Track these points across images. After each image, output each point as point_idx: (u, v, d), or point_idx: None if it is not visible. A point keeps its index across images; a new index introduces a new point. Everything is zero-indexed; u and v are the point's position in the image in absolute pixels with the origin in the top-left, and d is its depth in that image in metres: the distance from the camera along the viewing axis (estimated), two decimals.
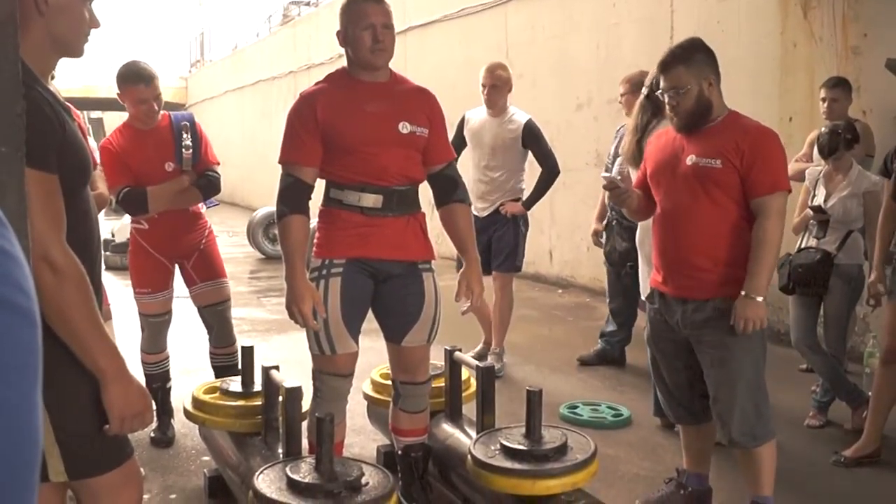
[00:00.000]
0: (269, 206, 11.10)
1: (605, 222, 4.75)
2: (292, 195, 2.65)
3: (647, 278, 3.91)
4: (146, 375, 3.80)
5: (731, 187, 2.70)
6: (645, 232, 3.90)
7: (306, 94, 2.74)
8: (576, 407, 4.24)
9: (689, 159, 2.74)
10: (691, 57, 2.75)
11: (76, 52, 1.74)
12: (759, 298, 2.64)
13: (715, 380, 2.79)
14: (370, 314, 2.84)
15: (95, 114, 24.80)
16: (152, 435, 3.81)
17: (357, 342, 2.75)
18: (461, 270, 2.84)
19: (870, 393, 3.69)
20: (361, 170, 2.66)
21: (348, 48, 2.70)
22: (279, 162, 2.71)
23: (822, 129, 3.91)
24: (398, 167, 2.69)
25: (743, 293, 2.65)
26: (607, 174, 3.03)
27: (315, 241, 2.76)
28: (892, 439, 3.74)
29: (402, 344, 2.81)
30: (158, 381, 3.86)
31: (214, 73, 22.55)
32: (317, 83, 2.80)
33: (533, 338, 5.93)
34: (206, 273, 3.79)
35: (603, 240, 4.77)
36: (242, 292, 7.79)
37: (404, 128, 2.68)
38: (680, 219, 2.79)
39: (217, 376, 3.75)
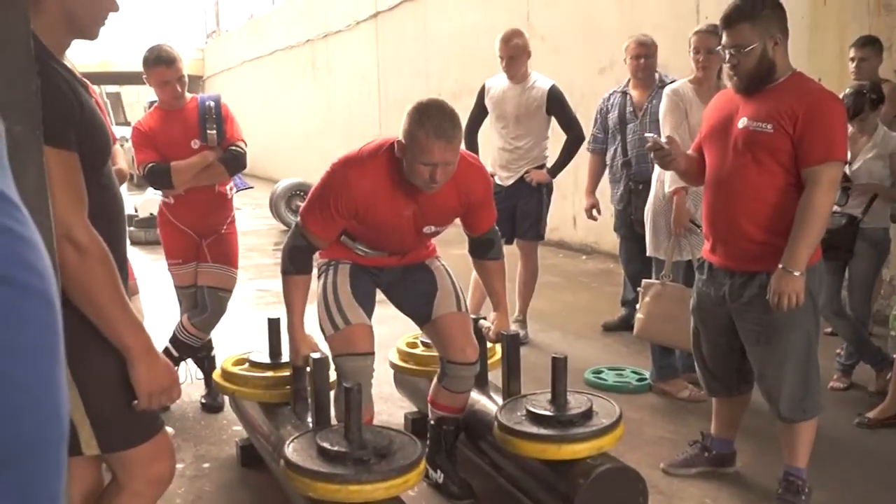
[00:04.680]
0: (290, 177, 11.11)
1: (620, 191, 4.68)
2: (301, 257, 2.71)
3: (652, 247, 3.89)
4: (181, 345, 3.82)
5: (781, 154, 2.54)
6: (658, 202, 3.85)
7: (353, 181, 2.58)
8: (601, 372, 4.25)
9: (742, 122, 2.61)
10: (758, 12, 2.54)
11: (91, 33, 1.72)
12: (797, 273, 2.51)
13: (760, 357, 2.72)
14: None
15: (112, 88, 24.82)
16: (203, 401, 3.89)
17: (370, 319, 2.80)
18: (493, 317, 2.95)
19: (894, 355, 3.65)
20: (378, 245, 2.80)
21: (404, 162, 2.52)
22: (300, 215, 2.74)
23: (847, 89, 3.81)
24: (412, 247, 2.86)
25: (780, 266, 2.53)
26: (650, 134, 2.94)
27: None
28: None
29: (433, 318, 2.84)
30: (203, 351, 3.96)
31: (231, 44, 22.45)
32: (368, 161, 2.61)
33: (558, 304, 5.93)
34: (220, 256, 3.81)
35: (620, 207, 4.72)
36: (267, 264, 7.83)
37: (429, 229, 2.77)
38: (729, 184, 2.66)
39: (172, 343, 3.80)
